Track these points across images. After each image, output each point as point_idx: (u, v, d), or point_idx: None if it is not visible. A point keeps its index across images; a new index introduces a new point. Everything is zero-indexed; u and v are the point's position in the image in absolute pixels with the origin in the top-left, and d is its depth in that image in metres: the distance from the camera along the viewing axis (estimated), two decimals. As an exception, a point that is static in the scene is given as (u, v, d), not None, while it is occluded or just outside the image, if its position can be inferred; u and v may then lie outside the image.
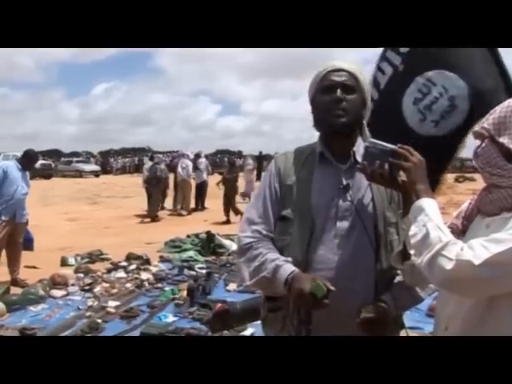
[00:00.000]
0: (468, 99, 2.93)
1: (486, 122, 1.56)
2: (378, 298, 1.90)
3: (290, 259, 1.91)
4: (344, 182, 1.95)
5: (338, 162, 1.99)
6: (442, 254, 1.44)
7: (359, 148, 1.99)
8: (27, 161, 7.21)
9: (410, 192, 1.69)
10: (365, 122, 2.07)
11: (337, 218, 1.93)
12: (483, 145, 1.56)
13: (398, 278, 1.94)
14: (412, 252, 1.63)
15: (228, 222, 13.64)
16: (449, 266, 1.41)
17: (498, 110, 1.55)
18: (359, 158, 1.95)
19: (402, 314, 2.07)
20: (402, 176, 1.73)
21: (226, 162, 15.89)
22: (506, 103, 1.54)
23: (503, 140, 1.49)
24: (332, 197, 1.94)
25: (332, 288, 1.73)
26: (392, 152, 1.72)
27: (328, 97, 1.94)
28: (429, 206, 1.58)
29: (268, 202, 2.02)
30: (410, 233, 1.58)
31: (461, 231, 1.69)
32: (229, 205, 13.98)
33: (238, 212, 13.66)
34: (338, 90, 1.92)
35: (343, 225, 1.92)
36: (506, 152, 1.50)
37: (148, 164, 16.29)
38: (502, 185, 1.52)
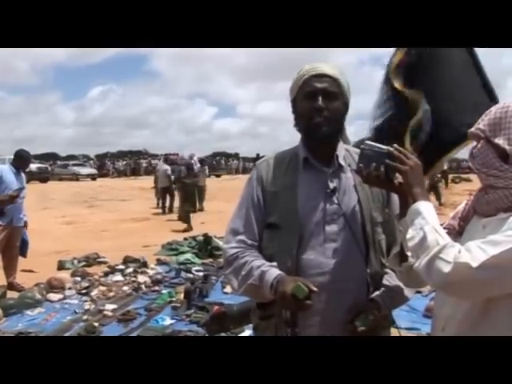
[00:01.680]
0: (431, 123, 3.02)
1: (482, 123, 1.56)
2: (369, 298, 1.90)
3: (275, 264, 1.91)
4: (330, 186, 1.94)
5: (322, 166, 1.98)
6: (440, 257, 1.44)
7: (341, 151, 2.01)
8: (20, 162, 7.10)
9: (406, 194, 1.68)
10: (345, 125, 2.06)
11: (325, 222, 1.92)
12: (479, 146, 1.56)
13: (387, 277, 1.96)
14: (409, 254, 1.63)
15: (190, 228, 12.63)
16: (447, 268, 1.41)
17: (493, 111, 1.55)
18: (342, 162, 1.97)
19: (392, 311, 2.06)
20: (399, 178, 1.71)
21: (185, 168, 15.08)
22: (501, 104, 1.55)
23: (498, 141, 1.50)
24: (319, 201, 1.94)
25: (314, 289, 1.72)
26: (388, 154, 1.70)
27: (309, 104, 1.92)
28: (425, 208, 1.58)
29: (251, 210, 2.01)
30: (408, 236, 1.58)
31: (457, 232, 1.70)
32: (186, 210, 13.06)
33: (187, 221, 12.86)
34: (320, 98, 1.90)
35: (332, 228, 1.92)
36: (501, 153, 1.50)
37: (162, 166, 16.71)
38: (498, 186, 1.52)
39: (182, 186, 13.59)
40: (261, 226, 2.00)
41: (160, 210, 16.83)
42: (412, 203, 1.62)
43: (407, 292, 1.96)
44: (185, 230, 12.39)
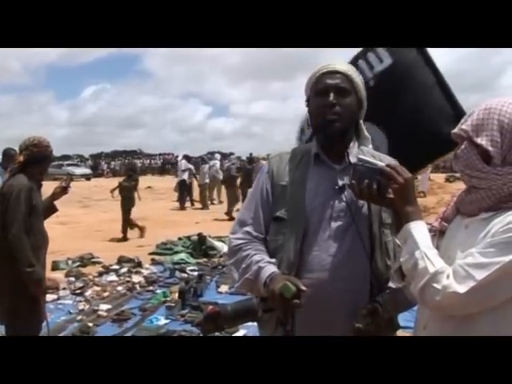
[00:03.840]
0: (387, 150, 3.11)
1: (465, 124, 1.57)
2: (373, 300, 1.89)
3: (273, 261, 1.92)
4: (339, 183, 1.94)
5: (333, 163, 1.98)
6: (431, 286, 1.48)
7: (353, 149, 2.01)
8: (10, 161, 6.99)
9: (398, 211, 1.68)
10: (361, 122, 2.06)
11: (331, 219, 1.92)
12: (462, 147, 1.57)
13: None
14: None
15: (124, 238, 11.56)
16: (437, 296, 1.46)
17: (476, 112, 1.55)
18: (353, 159, 1.95)
19: (397, 315, 2.06)
20: (391, 194, 1.69)
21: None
22: (483, 105, 1.55)
23: (481, 142, 1.51)
24: (327, 197, 1.94)
25: (303, 288, 1.73)
26: (380, 171, 1.69)
27: (321, 100, 1.93)
28: (417, 230, 1.59)
29: (259, 203, 2.02)
30: (402, 259, 1.61)
31: (440, 232, 1.71)
32: (125, 217, 11.71)
33: (133, 225, 11.78)
34: (331, 94, 1.91)
35: (338, 226, 1.92)
36: (484, 154, 1.51)
37: (186, 165, 17.54)
38: (480, 187, 1.53)
39: (120, 189, 11.94)
40: (268, 218, 2.01)
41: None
42: (404, 223, 1.63)
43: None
44: (121, 239, 11.56)
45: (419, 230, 1.59)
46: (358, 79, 1.98)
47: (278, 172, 2.04)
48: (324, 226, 1.92)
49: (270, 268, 1.88)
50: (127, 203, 11.68)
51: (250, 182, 16.42)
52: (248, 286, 1.98)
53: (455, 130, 1.61)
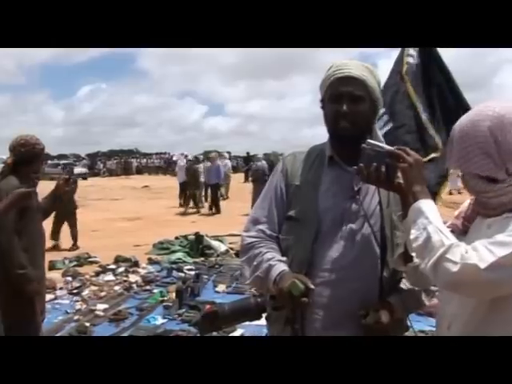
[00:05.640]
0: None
1: (451, 160, 1.58)
2: (384, 300, 1.89)
3: (284, 259, 1.93)
4: (354, 186, 1.94)
5: (347, 165, 1.97)
6: (447, 258, 1.42)
7: None
8: None
9: (407, 194, 1.65)
10: (375, 125, 2.04)
11: (343, 220, 1.92)
12: (461, 175, 1.59)
13: (405, 281, 1.94)
14: (414, 254, 1.60)
15: (57, 246, 10.40)
16: (454, 268, 1.39)
17: (454, 142, 1.57)
18: None
19: (407, 316, 2.05)
20: (399, 178, 1.69)
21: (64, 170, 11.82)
22: (457, 131, 1.57)
23: (475, 171, 1.52)
24: (340, 199, 1.94)
25: (311, 286, 1.74)
26: (389, 154, 1.68)
27: (334, 107, 1.90)
28: (427, 207, 1.55)
29: (273, 202, 2.03)
30: (411, 236, 1.55)
31: (462, 231, 1.69)
32: (59, 224, 10.61)
33: (57, 235, 10.61)
34: (345, 102, 1.88)
35: (350, 227, 1.92)
36: (483, 177, 1.51)
37: (203, 165, 17.68)
38: (500, 200, 1.52)
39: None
40: (281, 217, 2.02)
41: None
42: (413, 202, 1.59)
43: (424, 297, 1.95)
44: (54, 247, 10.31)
45: (430, 207, 1.56)
46: (374, 81, 1.93)
47: (292, 171, 2.04)
48: (336, 227, 1.92)
49: (280, 266, 1.88)
50: (68, 208, 10.47)
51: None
52: (258, 284, 2.00)
53: (450, 165, 1.62)
